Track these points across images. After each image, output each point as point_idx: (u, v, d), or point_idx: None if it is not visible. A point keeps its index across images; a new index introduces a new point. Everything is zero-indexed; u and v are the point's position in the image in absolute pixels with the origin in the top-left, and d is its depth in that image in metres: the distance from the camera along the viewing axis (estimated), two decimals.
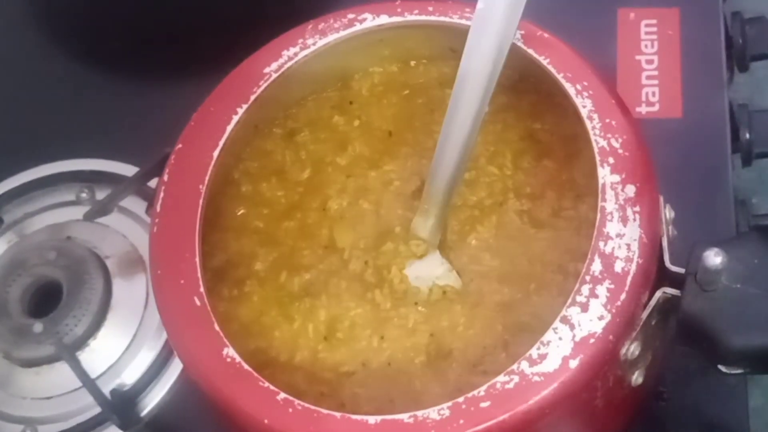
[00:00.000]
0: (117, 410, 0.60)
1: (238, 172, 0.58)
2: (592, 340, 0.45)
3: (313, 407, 0.45)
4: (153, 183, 0.60)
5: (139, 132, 0.71)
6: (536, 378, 0.44)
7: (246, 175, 0.58)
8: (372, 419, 0.45)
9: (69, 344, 0.62)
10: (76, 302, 0.64)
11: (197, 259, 0.50)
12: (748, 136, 0.68)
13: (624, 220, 0.48)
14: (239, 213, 0.57)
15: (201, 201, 0.52)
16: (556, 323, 0.46)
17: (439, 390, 0.51)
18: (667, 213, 0.51)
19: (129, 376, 0.63)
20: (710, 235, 0.60)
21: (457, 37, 0.52)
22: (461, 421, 0.44)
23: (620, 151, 0.50)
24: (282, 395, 0.46)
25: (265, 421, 0.46)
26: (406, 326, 0.52)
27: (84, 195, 0.70)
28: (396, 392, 0.51)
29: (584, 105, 0.51)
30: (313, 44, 0.56)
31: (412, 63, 0.60)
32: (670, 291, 0.48)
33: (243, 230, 0.57)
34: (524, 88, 0.57)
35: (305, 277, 0.55)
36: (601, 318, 0.46)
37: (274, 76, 0.56)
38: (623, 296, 0.46)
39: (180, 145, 0.55)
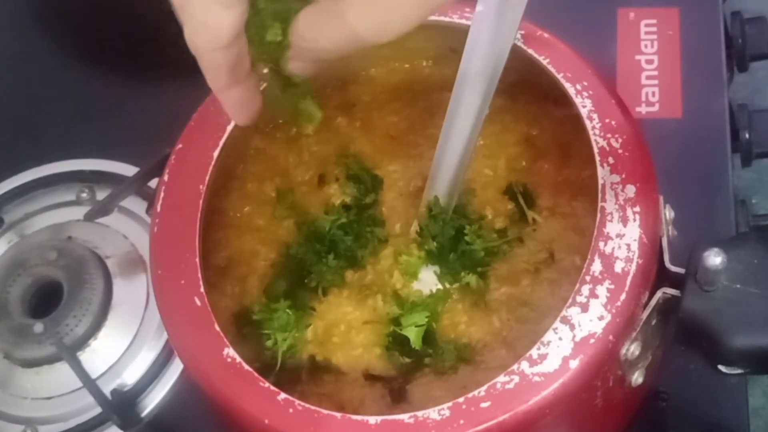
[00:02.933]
0: (117, 410, 0.60)
1: (239, 171, 0.58)
2: (592, 340, 0.45)
3: (313, 407, 0.45)
4: (153, 183, 0.60)
5: (139, 132, 0.71)
6: (536, 378, 0.45)
7: (248, 174, 0.58)
8: (372, 419, 0.45)
9: (69, 344, 0.62)
10: (77, 302, 0.64)
11: (197, 259, 0.50)
12: (748, 136, 0.68)
13: (624, 220, 0.48)
14: (241, 211, 0.57)
15: (201, 201, 0.52)
16: (556, 323, 0.46)
17: (441, 388, 0.51)
18: (667, 213, 0.51)
19: (129, 377, 0.63)
20: (710, 235, 0.60)
21: (457, 37, 0.52)
22: (461, 421, 0.44)
23: (620, 151, 0.50)
24: (282, 395, 0.46)
25: (266, 421, 0.46)
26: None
27: (84, 195, 0.70)
28: (393, 390, 0.51)
29: (584, 105, 0.51)
30: None
31: (414, 64, 0.60)
32: (670, 291, 0.48)
33: (245, 228, 0.57)
34: (522, 90, 0.57)
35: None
36: (601, 318, 0.46)
37: None
38: (623, 296, 0.46)
39: (180, 145, 0.55)
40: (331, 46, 0.43)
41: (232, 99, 0.47)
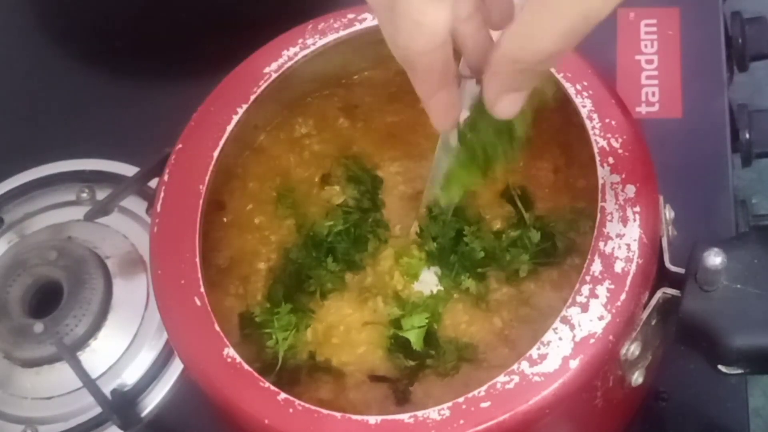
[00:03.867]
0: (117, 410, 0.60)
1: (240, 171, 0.58)
2: (592, 340, 0.45)
3: (313, 407, 0.45)
4: (153, 183, 0.60)
5: (139, 132, 0.71)
6: (536, 378, 0.45)
7: (249, 174, 0.58)
8: (372, 419, 0.45)
9: (69, 344, 0.62)
10: (77, 302, 0.64)
11: (197, 259, 0.50)
12: (748, 136, 0.68)
13: (624, 220, 0.48)
14: (242, 211, 0.57)
15: (201, 201, 0.52)
16: (556, 323, 0.46)
17: (445, 388, 0.51)
18: (667, 213, 0.51)
19: (129, 377, 0.63)
20: (710, 235, 0.60)
21: None
22: (461, 421, 0.44)
23: (620, 151, 0.50)
24: (282, 395, 0.46)
25: (266, 421, 0.46)
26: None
27: (84, 195, 0.70)
28: (398, 391, 0.51)
29: (584, 105, 0.51)
30: (313, 44, 0.56)
31: None
32: (670, 291, 0.48)
33: (245, 228, 0.57)
34: None
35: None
36: (601, 318, 0.46)
37: (274, 76, 0.56)
38: (623, 296, 0.46)
39: (180, 145, 0.55)
40: (554, 39, 0.38)
41: (440, 104, 0.44)
